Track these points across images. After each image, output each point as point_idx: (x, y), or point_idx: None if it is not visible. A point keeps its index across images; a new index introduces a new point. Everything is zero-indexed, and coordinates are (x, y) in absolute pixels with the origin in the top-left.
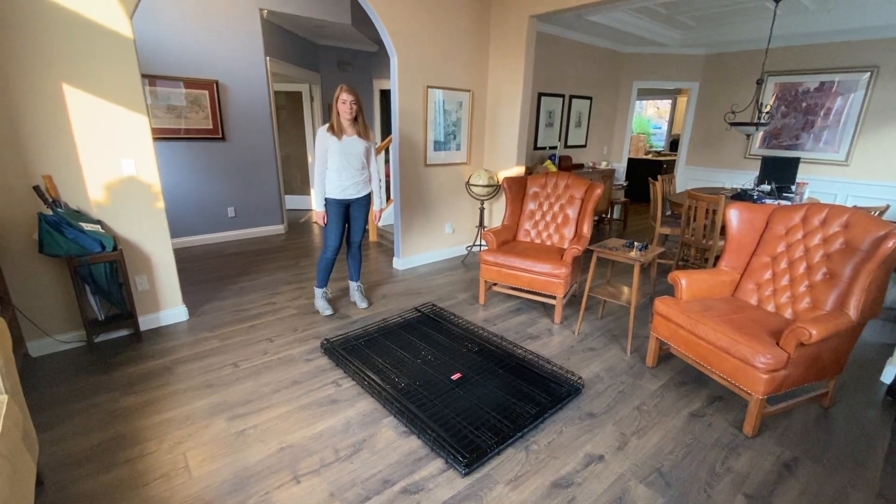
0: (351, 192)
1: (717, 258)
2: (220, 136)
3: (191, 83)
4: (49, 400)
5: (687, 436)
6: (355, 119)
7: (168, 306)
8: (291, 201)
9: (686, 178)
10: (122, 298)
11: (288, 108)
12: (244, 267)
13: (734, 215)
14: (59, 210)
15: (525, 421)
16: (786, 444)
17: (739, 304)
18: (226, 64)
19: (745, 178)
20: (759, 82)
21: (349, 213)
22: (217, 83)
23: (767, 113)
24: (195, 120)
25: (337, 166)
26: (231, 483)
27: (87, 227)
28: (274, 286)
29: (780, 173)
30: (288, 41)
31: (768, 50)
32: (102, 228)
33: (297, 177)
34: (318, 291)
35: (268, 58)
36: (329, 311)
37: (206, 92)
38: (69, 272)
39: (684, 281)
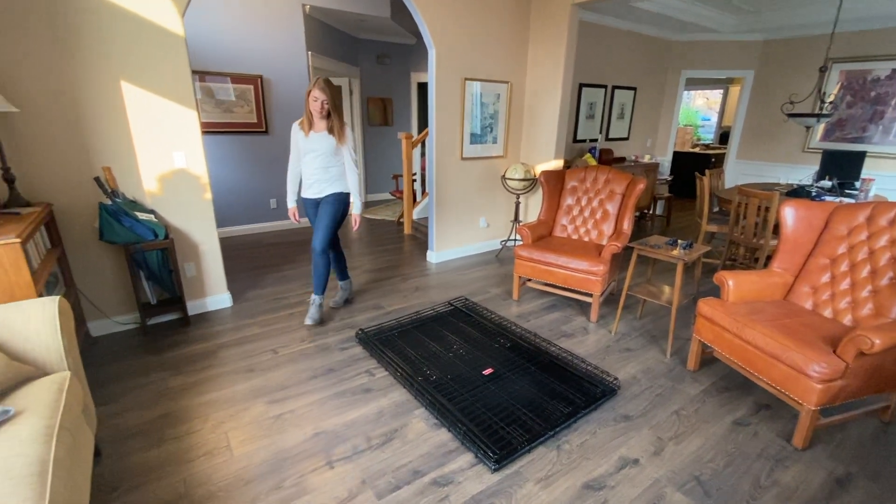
0: (314, 191)
1: (769, 259)
2: (264, 129)
3: (237, 78)
4: (106, 377)
5: (729, 444)
6: (328, 116)
7: (214, 293)
8: None
9: (736, 172)
10: (172, 284)
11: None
12: (284, 257)
13: (790, 213)
14: (117, 200)
15: (557, 420)
16: (839, 459)
17: (792, 308)
18: (270, 59)
19: (803, 173)
20: (823, 70)
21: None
22: (261, 78)
23: (831, 103)
24: (241, 114)
25: (306, 163)
26: (269, 464)
27: (141, 216)
28: (311, 276)
29: (842, 168)
30: (328, 35)
31: (834, 34)
32: (155, 218)
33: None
34: (312, 298)
35: (309, 52)
36: (310, 322)
37: (252, 87)
38: (125, 258)
39: (731, 282)
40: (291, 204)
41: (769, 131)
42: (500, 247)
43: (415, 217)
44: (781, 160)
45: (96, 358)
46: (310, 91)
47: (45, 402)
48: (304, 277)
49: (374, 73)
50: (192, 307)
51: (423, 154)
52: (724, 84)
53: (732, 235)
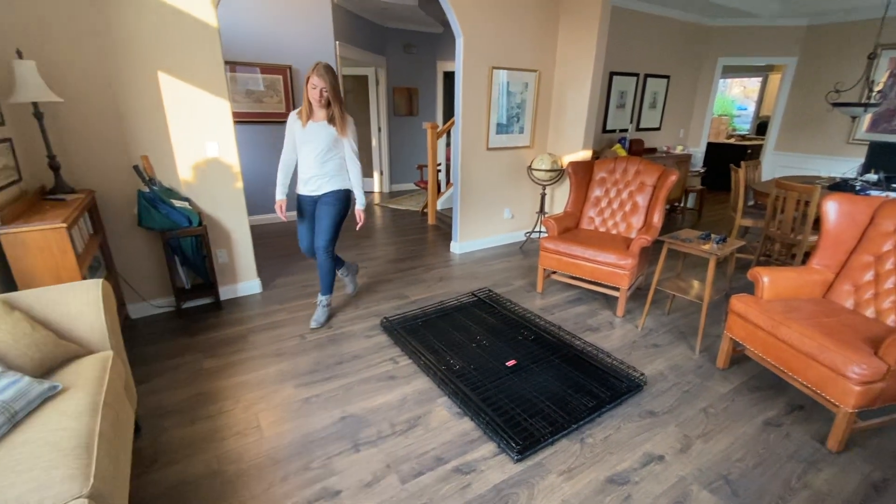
0: (311, 187)
1: (806, 255)
2: None
3: (266, 68)
4: (144, 357)
5: (759, 445)
6: (328, 105)
7: (244, 279)
8: None
9: (774, 164)
10: (205, 270)
11: (354, 92)
12: None
13: (832, 208)
14: (154, 188)
15: (581, 413)
16: (876, 464)
17: (831, 307)
18: (298, 49)
19: (846, 166)
20: (872, 57)
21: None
22: (290, 68)
23: (879, 92)
24: (270, 104)
25: (301, 156)
26: (297, 445)
27: (177, 203)
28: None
29: (890, 161)
30: (356, 25)
31: (885, 19)
32: (189, 205)
33: (361, 159)
34: (319, 299)
35: (337, 42)
36: (315, 325)
37: (280, 77)
38: (162, 244)
39: (767, 278)
40: (280, 196)
41: (811, 122)
42: (524, 238)
43: (439, 207)
44: (823, 152)
45: (135, 339)
46: (308, 77)
47: (89, 379)
48: None
49: (400, 62)
50: (224, 292)
51: (448, 144)
52: (764, 72)
53: (768, 230)
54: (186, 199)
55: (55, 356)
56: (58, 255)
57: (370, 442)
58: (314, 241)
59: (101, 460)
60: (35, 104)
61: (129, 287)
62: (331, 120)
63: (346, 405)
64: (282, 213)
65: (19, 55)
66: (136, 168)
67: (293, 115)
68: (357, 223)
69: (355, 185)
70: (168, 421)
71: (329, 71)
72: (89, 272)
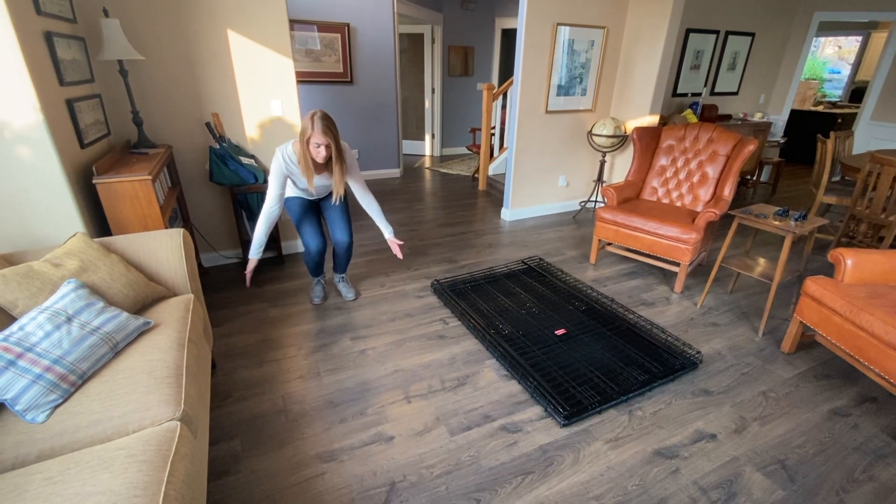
0: (319, 196)
1: None
2: (349, 79)
3: (324, 27)
4: (216, 303)
5: (823, 433)
6: (329, 160)
7: None
8: (408, 146)
9: (868, 136)
10: None
11: (409, 51)
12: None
13: None
14: (223, 145)
15: (631, 386)
16: None
17: None
18: (357, 6)
19: None
20: None
21: (320, 209)
22: (348, 26)
23: None
24: (328, 63)
25: (299, 191)
26: (354, 392)
27: (244, 160)
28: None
29: None
30: None
31: None
32: (255, 163)
33: (413, 121)
34: (314, 279)
35: None
36: (318, 300)
37: (339, 35)
38: (230, 199)
39: (851, 261)
40: (254, 254)
41: None
42: (578, 208)
43: (490, 173)
44: None
45: (208, 286)
46: (308, 138)
47: (175, 318)
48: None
49: (457, 19)
50: (286, 248)
51: (503, 107)
52: (866, 29)
53: (855, 209)
54: (252, 157)
55: (146, 296)
56: (144, 205)
57: (421, 395)
58: (335, 236)
59: (189, 389)
60: (120, 62)
61: (202, 238)
62: (330, 172)
63: (398, 359)
64: (249, 279)
65: (106, 14)
66: (208, 125)
67: (287, 157)
68: (399, 254)
69: (378, 218)
70: (238, 362)
71: (332, 123)
72: (169, 222)
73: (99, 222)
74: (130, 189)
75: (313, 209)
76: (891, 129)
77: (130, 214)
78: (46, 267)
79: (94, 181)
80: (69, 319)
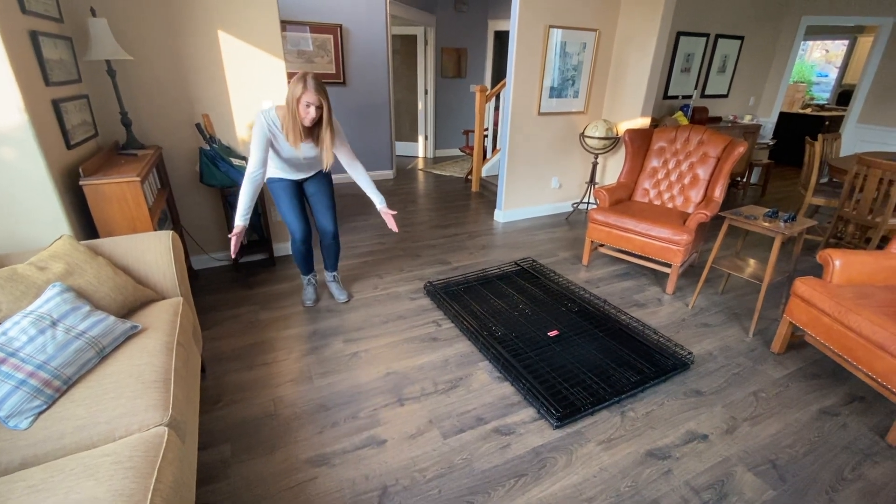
0: (299, 175)
1: (884, 240)
2: (342, 80)
3: (316, 27)
4: (206, 305)
5: (812, 433)
6: (318, 124)
7: None
8: (401, 148)
9: (855, 138)
10: (261, 227)
11: (402, 53)
12: (357, 208)
13: None
14: (214, 146)
15: (623, 387)
16: None
17: None
18: (349, 7)
19: None
20: None
21: (304, 192)
22: (341, 27)
23: None
24: (321, 64)
25: (283, 164)
26: (346, 395)
27: (235, 161)
28: (383, 228)
29: None
30: None
31: None
32: (247, 164)
33: (406, 123)
34: (304, 278)
35: None
36: (310, 302)
37: (331, 36)
38: (221, 200)
39: (839, 261)
40: (240, 220)
41: None
42: (571, 209)
43: (483, 174)
44: None
45: (197, 288)
46: (299, 97)
47: (164, 321)
48: (374, 229)
49: (450, 21)
50: (278, 249)
51: (496, 108)
52: (852, 33)
53: (842, 210)
54: (244, 158)
55: (134, 299)
56: (133, 207)
57: (414, 398)
58: (319, 223)
59: (177, 394)
60: (108, 62)
61: (192, 240)
62: (317, 139)
63: (391, 362)
64: (235, 246)
65: (93, 13)
66: (198, 126)
67: (271, 120)
68: (394, 227)
69: (368, 185)
70: (228, 365)
71: (323, 85)
72: (158, 224)
73: (86, 225)
74: (118, 191)
75: (298, 195)
76: (877, 131)
77: (118, 216)
78: (31, 270)
79: (80, 183)
80: (54, 324)
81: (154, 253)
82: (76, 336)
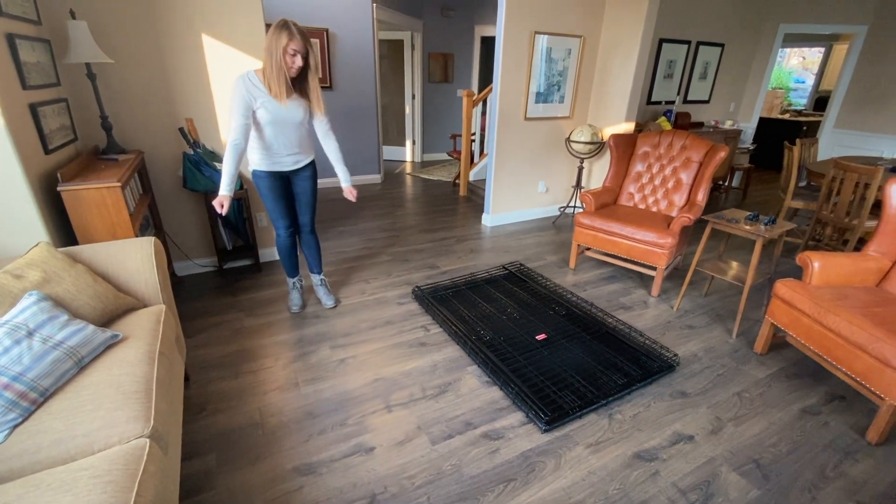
0: (287, 164)
1: (860, 241)
2: (328, 85)
3: None
4: (190, 313)
5: (795, 432)
6: (303, 76)
7: None
8: (388, 152)
9: (832, 143)
10: (246, 232)
11: (389, 57)
12: (344, 213)
13: None
14: (198, 150)
15: (611, 390)
16: None
17: (886, 297)
18: (335, 12)
19: None
20: None
21: (290, 187)
22: (327, 31)
23: None
24: None
25: (267, 136)
26: (334, 403)
27: (219, 166)
28: (370, 232)
29: None
30: None
31: None
32: None
33: (394, 127)
34: (290, 281)
35: (374, 4)
36: (296, 308)
37: (317, 41)
38: (205, 206)
39: (817, 263)
40: (225, 191)
41: (879, 98)
42: (558, 213)
43: (471, 179)
44: (889, 131)
45: (181, 295)
46: (285, 45)
47: (146, 330)
48: (361, 233)
49: (437, 26)
50: (263, 255)
51: (483, 113)
52: (828, 41)
53: (820, 213)
54: None
55: (115, 307)
56: (113, 213)
57: (402, 404)
58: (299, 218)
59: (159, 404)
60: (88, 65)
61: (175, 246)
62: (303, 93)
63: (379, 368)
64: (223, 209)
65: (73, 15)
66: (181, 130)
67: (252, 82)
68: (353, 198)
69: (337, 160)
70: (214, 373)
71: (304, 32)
72: (140, 230)
73: (64, 231)
74: (98, 196)
75: (283, 190)
76: (853, 136)
77: (98, 223)
78: (6, 278)
79: (58, 188)
80: (30, 334)
81: (136, 260)
82: (53, 346)
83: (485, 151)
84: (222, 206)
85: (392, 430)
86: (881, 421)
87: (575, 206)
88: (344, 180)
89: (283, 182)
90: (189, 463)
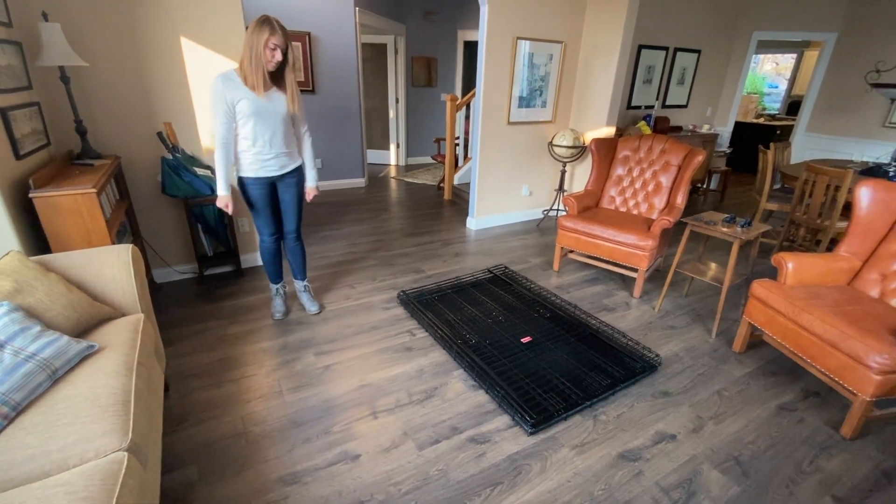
0: (273, 167)
1: (832, 242)
2: (311, 88)
3: None
4: (170, 321)
5: (772, 428)
6: (280, 72)
7: None
8: (372, 156)
9: (804, 147)
10: (227, 238)
11: (372, 61)
12: (328, 217)
13: (865, 194)
14: (177, 155)
15: (595, 391)
16: (889, 453)
17: (856, 295)
18: (318, 15)
19: (880, 150)
20: None
21: (276, 194)
22: (309, 35)
23: None
24: None
25: (251, 132)
26: (318, 410)
27: (199, 171)
28: (354, 237)
29: None
30: None
31: None
32: (212, 174)
33: (378, 131)
34: (273, 287)
35: (357, 8)
36: (280, 315)
37: (300, 44)
38: (185, 211)
39: (791, 264)
40: (224, 191)
41: (847, 103)
42: (541, 216)
43: (455, 182)
44: (857, 135)
45: (160, 303)
46: (266, 40)
47: (123, 340)
48: (345, 238)
49: (420, 30)
50: (245, 261)
51: (467, 117)
52: (799, 48)
53: (794, 215)
54: (208, 168)
55: (90, 317)
56: (88, 220)
57: (388, 410)
58: (285, 225)
59: (138, 416)
60: (62, 68)
61: (154, 253)
62: (280, 88)
63: (364, 374)
64: (229, 209)
65: (45, 17)
66: (159, 135)
67: (232, 80)
68: (308, 199)
69: (308, 160)
70: (194, 383)
71: (283, 25)
72: (117, 237)
73: (37, 239)
74: (72, 203)
75: (270, 197)
76: (824, 139)
77: (72, 230)
78: None
79: (30, 195)
80: (1, 346)
81: (112, 267)
82: (25, 359)
83: (469, 155)
84: (227, 207)
85: (378, 436)
86: (854, 416)
87: (558, 210)
88: (311, 181)
89: (269, 190)
90: (169, 476)
